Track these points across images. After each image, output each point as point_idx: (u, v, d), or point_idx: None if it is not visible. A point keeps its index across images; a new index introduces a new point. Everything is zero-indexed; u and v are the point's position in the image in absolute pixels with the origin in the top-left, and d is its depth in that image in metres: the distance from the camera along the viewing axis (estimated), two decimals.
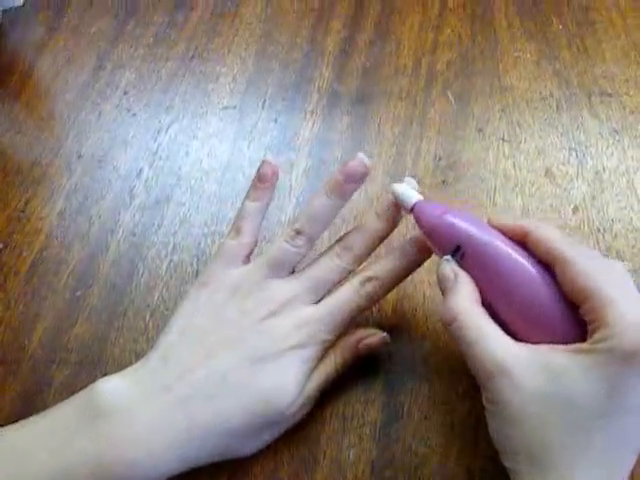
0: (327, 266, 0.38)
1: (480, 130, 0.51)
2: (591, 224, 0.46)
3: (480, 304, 0.34)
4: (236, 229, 0.39)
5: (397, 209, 0.39)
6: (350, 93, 0.55)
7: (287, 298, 0.37)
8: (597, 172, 0.48)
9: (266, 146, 0.52)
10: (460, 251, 0.35)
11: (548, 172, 0.48)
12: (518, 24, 0.58)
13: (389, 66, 0.56)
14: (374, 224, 0.39)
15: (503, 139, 0.51)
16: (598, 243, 0.45)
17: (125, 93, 0.57)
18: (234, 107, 0.55)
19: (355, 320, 0.39)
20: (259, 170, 0.40)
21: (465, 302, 0.33)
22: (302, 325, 0.37)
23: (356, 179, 0.38)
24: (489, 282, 0.34)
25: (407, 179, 0.39)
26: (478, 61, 0.56)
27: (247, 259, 0.39)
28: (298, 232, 0.38)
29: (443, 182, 0.49)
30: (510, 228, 0.35)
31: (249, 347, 0.36)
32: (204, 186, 0.51)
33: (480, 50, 0.57)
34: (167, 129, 0.54)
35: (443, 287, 0.35)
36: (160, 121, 0.55)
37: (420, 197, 0.38)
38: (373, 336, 0.39)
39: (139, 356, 0.42)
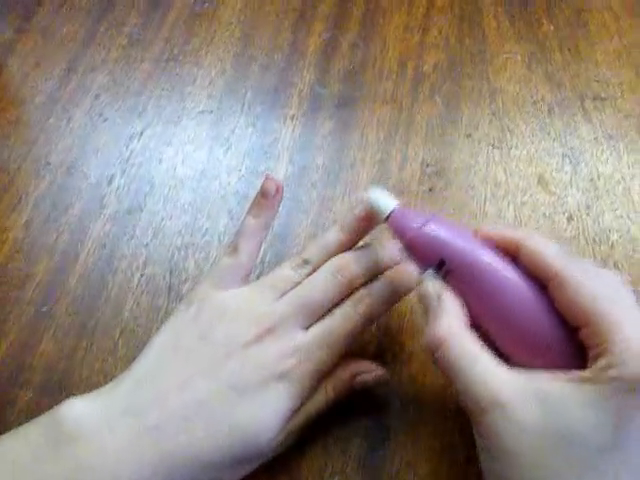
0: (321, 286, 0.35)
1: (469, 135, 0.49)
2: (587, 234, 0.43)
3: (468, 326, 0.31)
4: (233, 247, 0.37)
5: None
6: (333, 97, 0.52)
7: (276, 321, 0.34)
8: (592, 179, 0.46)
9: (244, 152, 0.50)
10: (444, 266, 0.31)
11: (541, 179, 0.46)
12: (507, 25, 0.56)
13: (374, 68, 0.54)
14: (377, 249, 0.37)
15: (493, 145, 0.48)
16: (594, 254, 0.43)
17: (97, 97, 0.54)
18: (211, 111, 0.52)
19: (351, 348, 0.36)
20: (262, 186, 0.38)
21: (451, 325, 0.30)
22: (291, 352, 0.34)
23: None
24: (477, 301, 0.31)
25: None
26: (466, 63, 0.54)
27: (243, 281, 0.37)
28: (306, 262, 0.36)
29: (430, 189, 0.46)
30: (500, 240, 0.32)
31: (231, 375, 0.33)
32: (178, 195, 0.48)
33: (468, 52, 0.54)
34: (140, 135, 0.51)
35: (425, 307, 0.32)
36: (133, 126, 0.52)
37: (397, 204, 0.34)
38: (369, 373, 0.36)
39: (108, 376, 0.40)
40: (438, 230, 0.32)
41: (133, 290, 0.43)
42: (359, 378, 0.36)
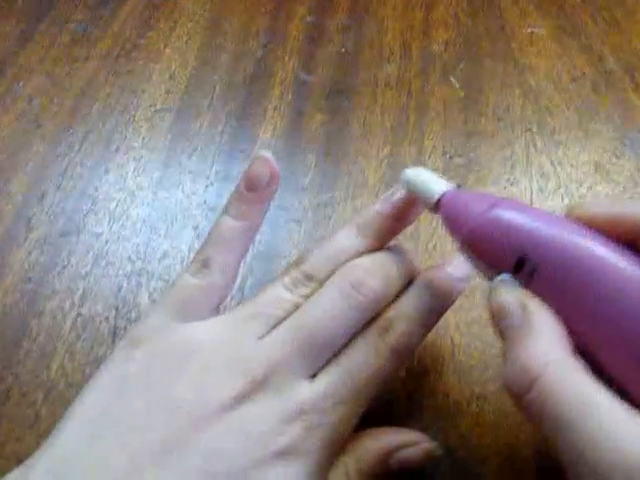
0: (332, 311, 0.24)
1: (500, 119, 0.39)
2: None
3: (574, 353, 0.19)
4: (202, 261, 0.25)
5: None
6: (323, 84, 0.42)
7: (268, 369, 0.22)
8: None
9: (213, 155, 0.39)
10: (527, 266, 0.20)
11: (599, 167, 0.36)
12: None
13: (371, 51, 0.44)
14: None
15: (531, 129, 0.38)
16: None
17: (30, 101, 0.44)
18: (170, 110, 0.42)
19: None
20: (249, 171, 0.26)
21: (549, 353, 0.19)
22: (294, 416, 0.22)
23: None
24: (584, 316, 0.20)
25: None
26: (484, 40, 0.44)
27: (215, 311, 0.25)
28: (309, 277, 0.25)
29: (459, 187, 0.35)
30: (606, 222, 0.20)
31: (206, 455, 0.21)
32: (128, 210, 0.37)
33: (484, 28, 0.45)
34: (82, 141, 0.41)
35: (503, 328, 0.20)
36: (73, 132, 0.41)
37: (450, 186, 0.24)
38: (413, 447, 0.24)
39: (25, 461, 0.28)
40: (513, 214, 0.21)
41: (65, 337, 0.32)
42: (398, 455, 0.24)
